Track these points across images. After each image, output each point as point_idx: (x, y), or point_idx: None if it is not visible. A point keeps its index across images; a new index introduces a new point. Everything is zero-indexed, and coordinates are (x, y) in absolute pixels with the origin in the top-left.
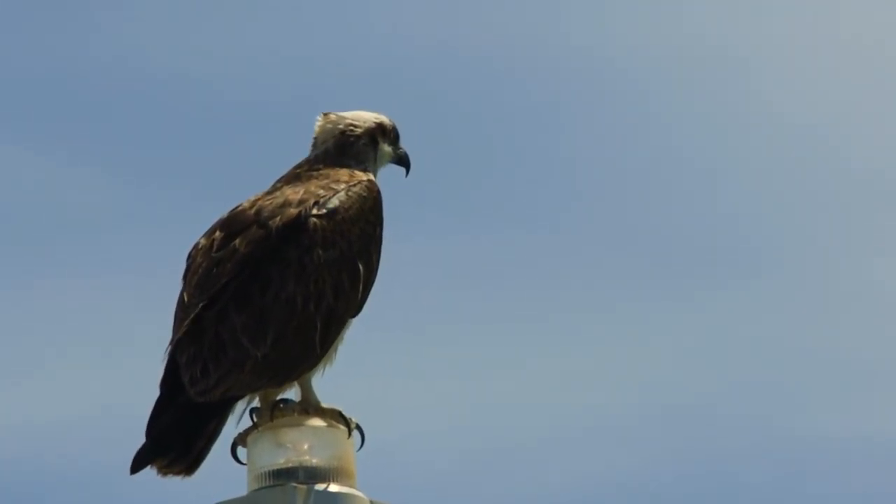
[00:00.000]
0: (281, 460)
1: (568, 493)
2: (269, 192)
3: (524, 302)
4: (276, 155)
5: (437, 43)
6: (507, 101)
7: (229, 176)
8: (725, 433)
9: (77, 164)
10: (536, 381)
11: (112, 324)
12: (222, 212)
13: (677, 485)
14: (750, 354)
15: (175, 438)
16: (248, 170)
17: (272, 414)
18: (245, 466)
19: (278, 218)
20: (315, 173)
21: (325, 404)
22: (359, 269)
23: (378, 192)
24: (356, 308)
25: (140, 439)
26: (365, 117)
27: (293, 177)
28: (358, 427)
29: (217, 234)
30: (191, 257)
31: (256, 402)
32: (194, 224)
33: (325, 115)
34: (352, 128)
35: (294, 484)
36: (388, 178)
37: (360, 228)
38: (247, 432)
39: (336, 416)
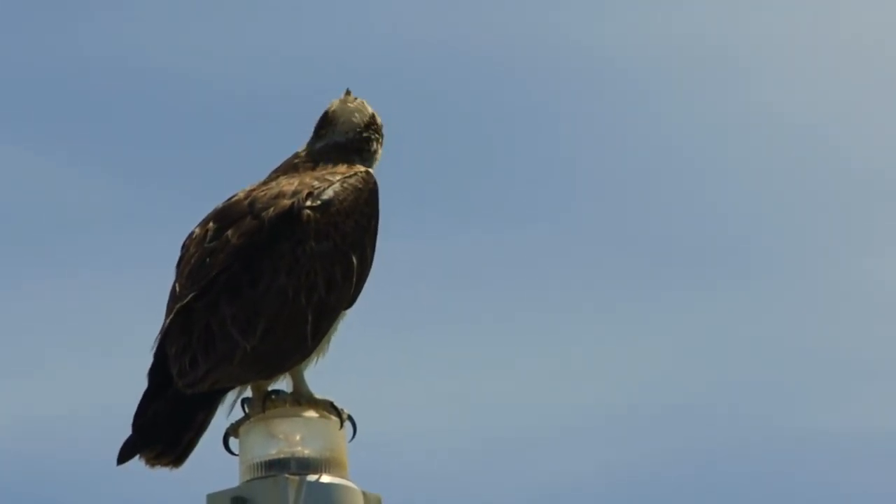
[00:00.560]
0: (273, 451)
1: (563, 491)
2: (264, 183)
3: (521, 300)
4: (274, 154)
5: (436, 42)
6: (505, 101)
7: (228, 175)
8: (723, 431)
9: (76, 164)
10: (531, 378)
11: (111, 322)
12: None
13: (674, 483)
14: (748, 353)
15: (163, 430)
16: (247, 169)
17: (264, 405)
18: (237, 457)
19: (271, 209)
20: (313, 164)
21: (317, 395)
22: (352, 262)
23: (375, 183)
24: (349, 301)
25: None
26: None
27: (290, 167)
28: (350, 418)
29: (210, 224)
30: (185, 247)
31: (248, 393)
32: (193, 223)
33: (349, 94)
34: (374, 121)
35: (286, 475)
36: (385, 175)
37: (355, 221)
38: (239, 423)
39: (328, 407)
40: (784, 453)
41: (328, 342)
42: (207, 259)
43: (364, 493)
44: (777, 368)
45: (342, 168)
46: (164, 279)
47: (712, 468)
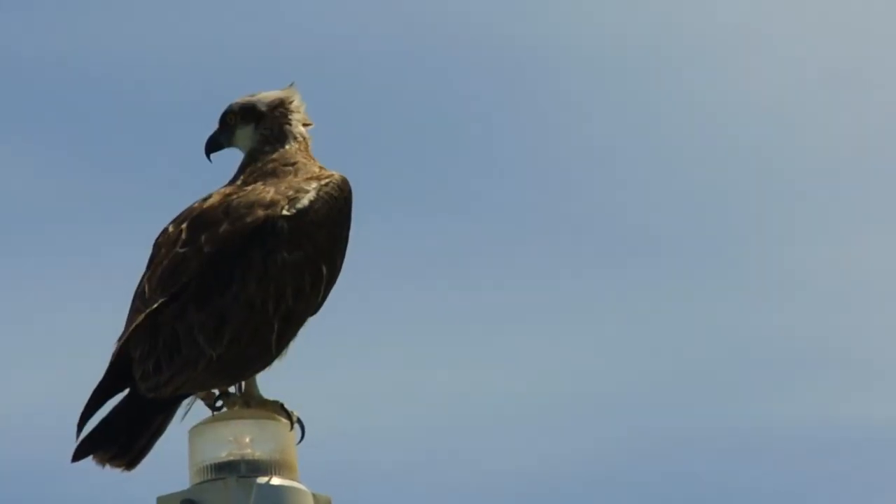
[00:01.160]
0: (223, 453)
1: (508, 482)
2: (240, 186)
3: (455, 293)
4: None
5: (369, 36)
6: (476, 94)
7: (190, 167)
8: (662, 422)
9: (30, 153)
10: (471, 373)
11: (66, 316)
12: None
13: (610, 475)
14: (678, 346)
15: (120, 432)
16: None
17: (213, 407)
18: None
19: (246, 218)
20: (290, 168)
21: (266, 397)
22: (322, 272)
23: (349, 191)
24: (315, 309)
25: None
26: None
27: (269, 172)
28: (299, 420)
29: (184, 227)
30: (157, 245)
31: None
32: (146, 215)
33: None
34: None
35: (236, 477)
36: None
37: (328, 231)
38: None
39: (278, 409)
40: (727, 442)
41: (288, 348)
42: (179, 266)
43: (314, 495)
44: (717, 359)
45: (314, 168)
46: (109, 273)
47: (647, 460)
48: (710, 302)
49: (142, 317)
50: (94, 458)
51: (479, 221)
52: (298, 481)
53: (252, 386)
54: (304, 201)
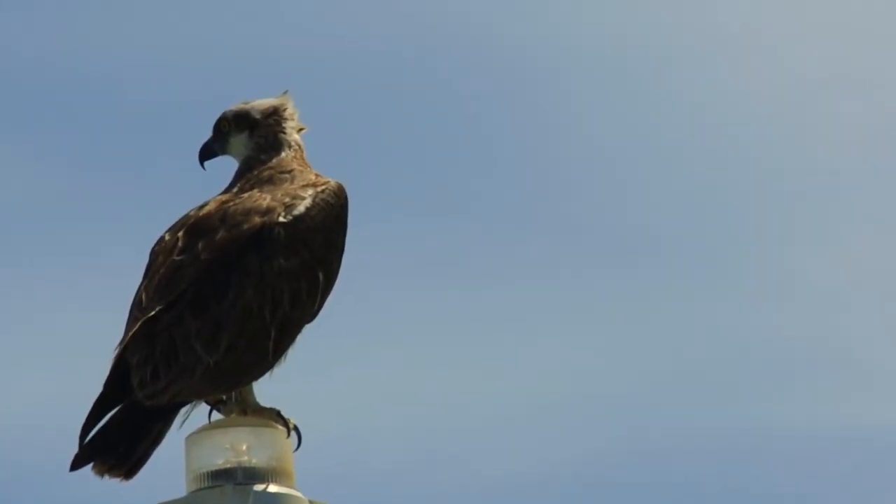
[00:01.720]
0: (219, 461)
1: (505, 487)
2: (236, 194)
3: (452, 296)
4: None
5: (356, 37)
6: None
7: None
8: (662, 422)
9: (24, 157)
10: (470, 375)
11: (65, 321)
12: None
13: (610, 476)
14: (680, 349)
15: (118, 441)
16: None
17: (210, 414)
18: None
19: (243, 225)
20: (286, 175)
21: (263, 404)
22: (318, 278)
23: (345, 198)
24: (312, 315)
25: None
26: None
27: (265, 179)
28: (296, 428)
29: (181, 235)
30: (154, 253)
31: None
32: (145, 217)
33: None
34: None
35: (233, 485)
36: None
37: (324, 237)
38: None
39: (274, 417)
40: (720, 444)
41: (286, 355)
42: (176, 273)
43: (311, 502)
44: (717, 360)
45: (311, 176)
46: (109, 278)
47: (644, 462)
48: (710, 302)
49: (139, 324)
50: (92, 468)
51: (479, 222)
52: (295, 489)
53: (248, 393)
54: (301, 208)
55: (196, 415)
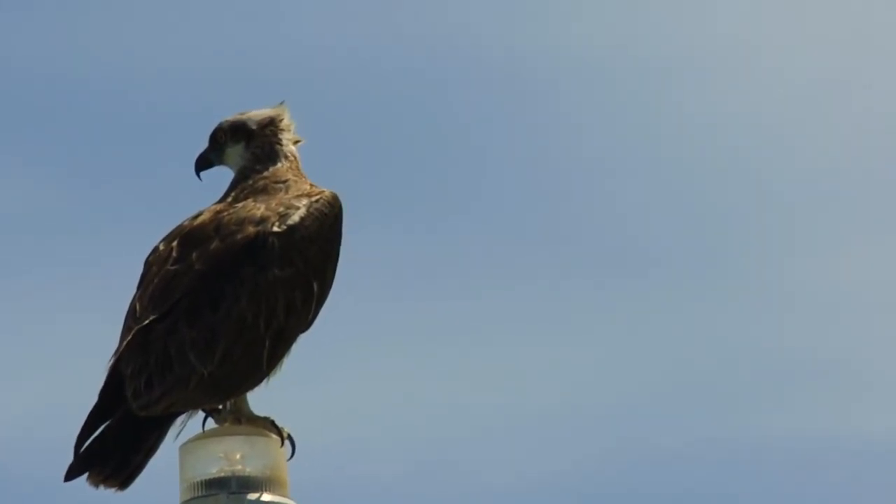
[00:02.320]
0: (213, 470)
1: (502, 497)
2: (230, 204)
3: (444, 306)
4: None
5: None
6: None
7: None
8: (660, 433)
9: (20, 168)
10: (466, 384)
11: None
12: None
13: (607, 487)
14: (680, 355)
15: (114, 452)
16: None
17: (203, 424)
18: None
19: (237, 235)
20: (281, 185)
21: (257, 413)
22: (312, 288)
23: (340, 208)
24: (306, 325)
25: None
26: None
27: (259, 189)
28: (290, 437)
29: (175, 245)
30: (148, 263)
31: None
32: (143, 226)
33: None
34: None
35: (227, 494)
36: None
37: (318, 247)
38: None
39: (268, 425)
40: (723, 454)
41: (281, 365)
42: (170, 283)
43: None
44: (715, 371)
45: (305, 186)
46: (100, 286)
47: (643, 470)
48: (709, 312)
49: (132, 334)
50: (87, 479)
51: (475, 231)
52: (289, 497)
53: (242, 402)
54: (295, 218)
55: (190, 424)
